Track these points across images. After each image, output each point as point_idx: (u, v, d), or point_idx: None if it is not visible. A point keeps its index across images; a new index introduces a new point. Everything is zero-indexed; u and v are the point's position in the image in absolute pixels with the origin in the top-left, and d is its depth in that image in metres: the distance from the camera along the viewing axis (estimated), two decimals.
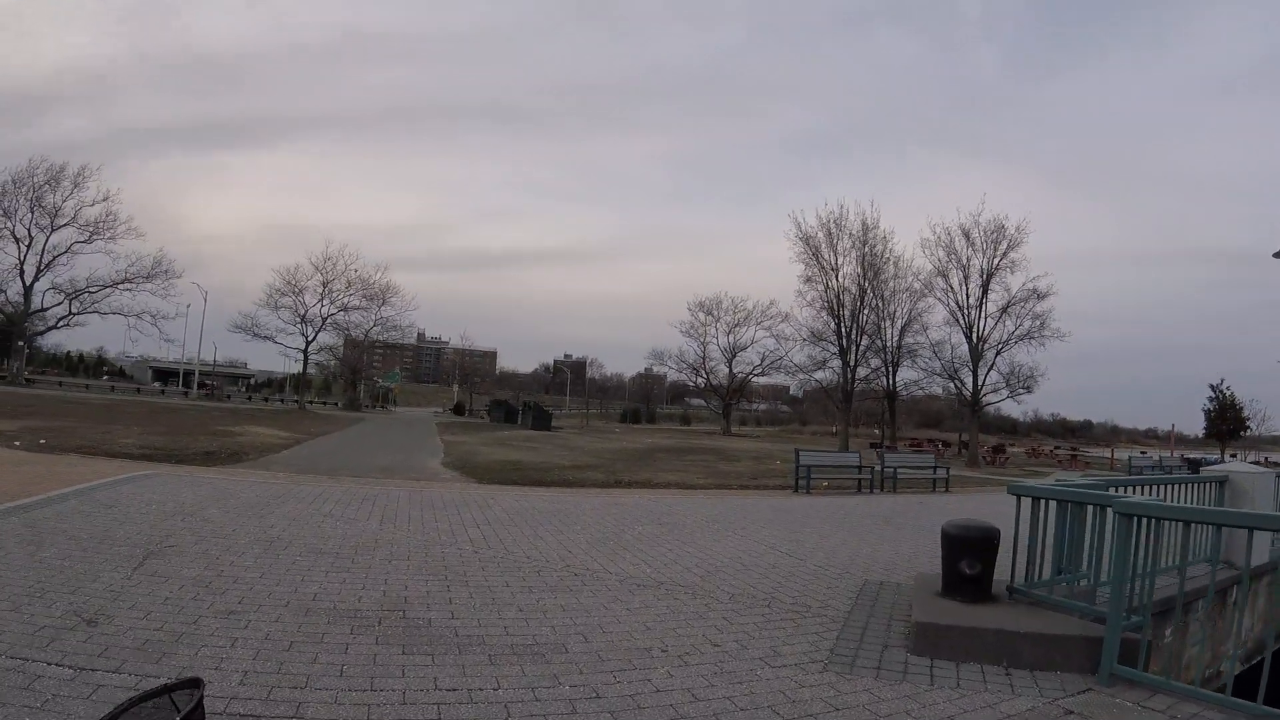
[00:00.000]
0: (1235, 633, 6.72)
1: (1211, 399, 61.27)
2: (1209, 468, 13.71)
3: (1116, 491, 7.95)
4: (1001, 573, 6.97)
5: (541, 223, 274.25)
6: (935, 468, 22.21)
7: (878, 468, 20.21)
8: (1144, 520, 5.88)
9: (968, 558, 6.62)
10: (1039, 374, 42.93)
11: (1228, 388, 60.82)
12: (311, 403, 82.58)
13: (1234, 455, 52.94)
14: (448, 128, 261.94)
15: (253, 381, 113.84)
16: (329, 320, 63.71)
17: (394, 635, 5.46)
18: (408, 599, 6.40)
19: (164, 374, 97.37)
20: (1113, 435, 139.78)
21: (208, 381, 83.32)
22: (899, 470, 20.57)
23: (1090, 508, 6.87)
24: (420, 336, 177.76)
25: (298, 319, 62.13)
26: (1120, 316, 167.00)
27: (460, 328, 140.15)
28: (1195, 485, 9.88)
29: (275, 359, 68.32)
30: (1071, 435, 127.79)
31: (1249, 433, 62.91)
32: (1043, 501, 7.10)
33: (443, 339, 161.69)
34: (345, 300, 63.58)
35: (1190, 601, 7.00)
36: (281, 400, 79.93)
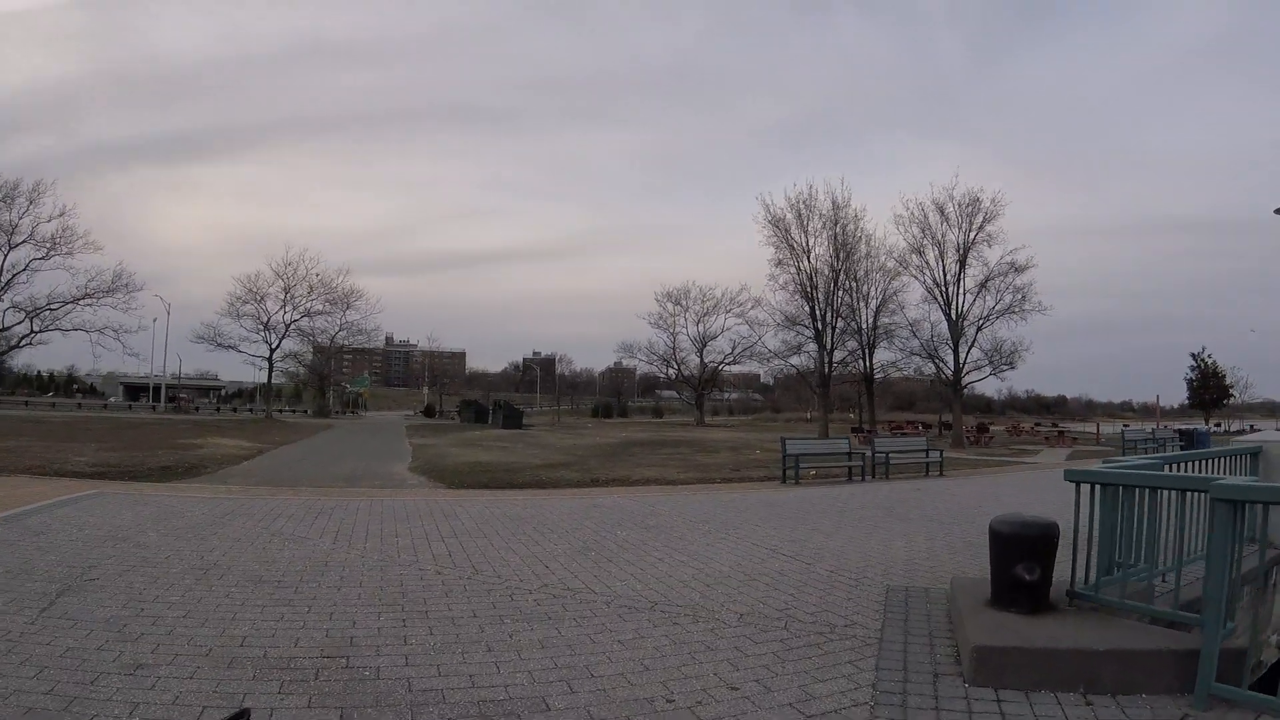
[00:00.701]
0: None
1: (1193, 368, 61.05)
2: (1240, 438, 12.83)
3: (1172, 470, 7.02)
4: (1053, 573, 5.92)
5: (508, 221, 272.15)
6: (928, 451, 21.28)
7: (868, 454, 19.23)
8: (1246, 506, 4.87)
9: (1026, 560, 5.58)
10: (1023, 349, 42.28)
11: (1209, 356, 60.63)
12: (282, 411, 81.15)
13: (1218, 424, 52.67)
14: (412, 129, 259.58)
15: (224, 392, 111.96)
16: (292, 327, 62.47)
17: (332, 692, 4.33)
18: (354, 640, 5.26)
19: (134, 389, 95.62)
20: (1088, 409, 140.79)
21: (180, 395, 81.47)
22: (891, 456, 19.61)
23: (1167, 492, 5.84)
24: (389, 340, 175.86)
25: (260, 326, 60.90)
26: (1089, 290, 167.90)
27: (429, 330, 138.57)
28: (1231, 458, 9.04)
29: (247, 369, 66.58)
30: (1047, 411, 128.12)
31: (1232, 401, 62.85)
32: (1109, 487, 6.03)
33: (411, 342, 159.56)
34: (308, 305, 62.31)
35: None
36: (251, 410, 78.46)
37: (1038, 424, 73.29)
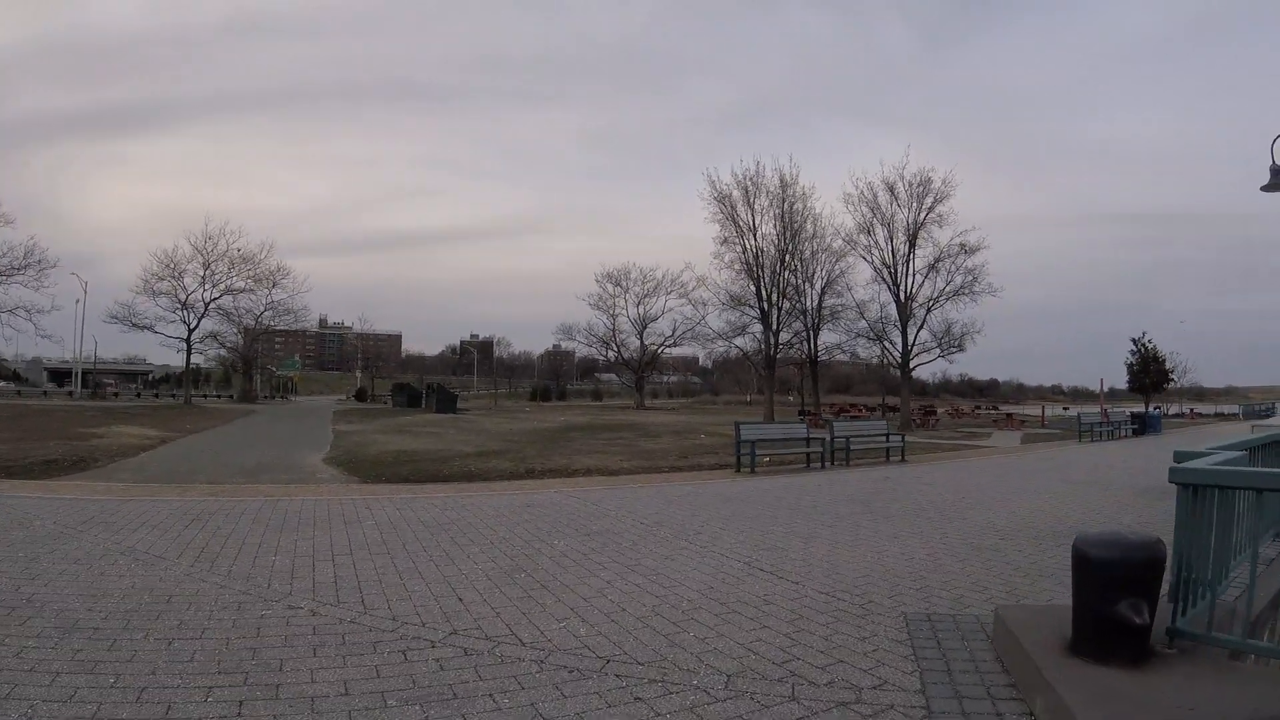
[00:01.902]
0: None
1: (1133, 352, 61.16)
2: (1261, 423, 11.52)
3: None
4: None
5: (448, 201, 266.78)
6: (888, 435, 19.89)
7: (826, 439, 17.72)
8: None
9: (1129, 595, 3.94)
10: (975, 331, 41.35)
11: (1150, 341, 60.78)
12: (207, 396, 77.40)
13: (1157, 408, 52.67)
14: (352, 106, 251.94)
15: (151, 377, 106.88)
16: (212, 305, 58.61)
17: None
18: None
19: (60, 375, 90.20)
20: (1019, 393, 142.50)
21: (105, 380, 77.34)
22: (851, 441, 18.15)
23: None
24: (323, 322, 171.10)
25: (178, 305, 56.89)
26: (1020, 278, 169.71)
27: (365, 311, 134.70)
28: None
29: (178, 353, 61.83)
30: (980, 394, 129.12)
31: (1172, 385, 63.19)
32: (1228, 492, 4.47)
33: (346, 324, 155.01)
34: (229, 283, 58.58)
35: None
36: (174, 395, 74.56)
37: (978, 407, 73.35)
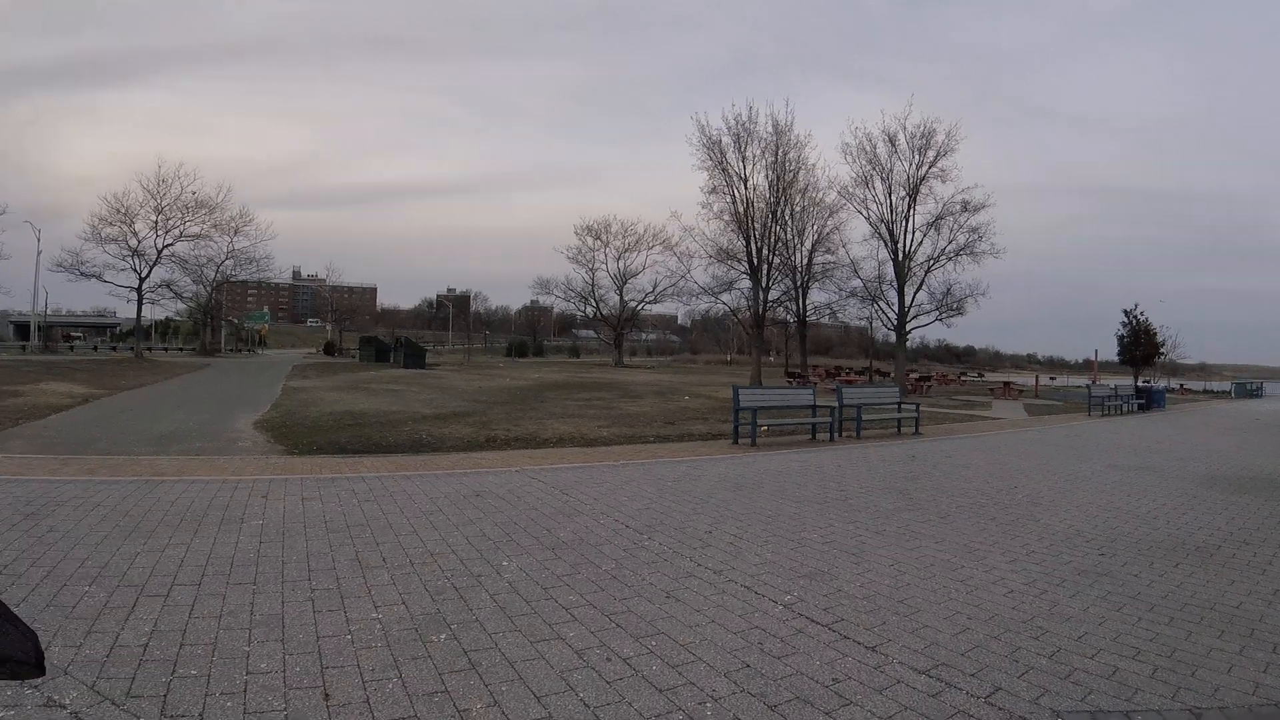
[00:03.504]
0: None
1: (1125, 324, 59.32)
2: None
3: None
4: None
5: (427, 155, 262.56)
6: (900, 405, 17.65)
7: (835, 408, 15.46)
8: None
9: None
10: (979, 293, 39.10)
11: (1141, 313, 58.89)
12: (168, 349, 74.02)
13: (1147, 381, 51.02)
14: (329, 60, 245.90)
15: (118, 330, 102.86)
16: (165, 252, 54.76)
17: None
18: None
19: (24, 328, 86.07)
20: (996, 361, 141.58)
21: (74, 334, 73.95)
22: (862, 409, 15.89)
23: None
24: (296, 275, 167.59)
25: (128, 252, 53.20)
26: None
27: (339, 264, 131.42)
28: None
29: (149, 306, 57.72)
30: (957, 360, 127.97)
31: (1163, 359, 61.54)
32: None
33: (320, 277, 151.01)
34: (183, 228, 54.77)
35: None
36: (132, 350, 71.29)
37: (963, 374, 71.54)
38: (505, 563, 5.58)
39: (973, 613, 4.82)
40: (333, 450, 12.13)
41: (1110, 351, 61.82)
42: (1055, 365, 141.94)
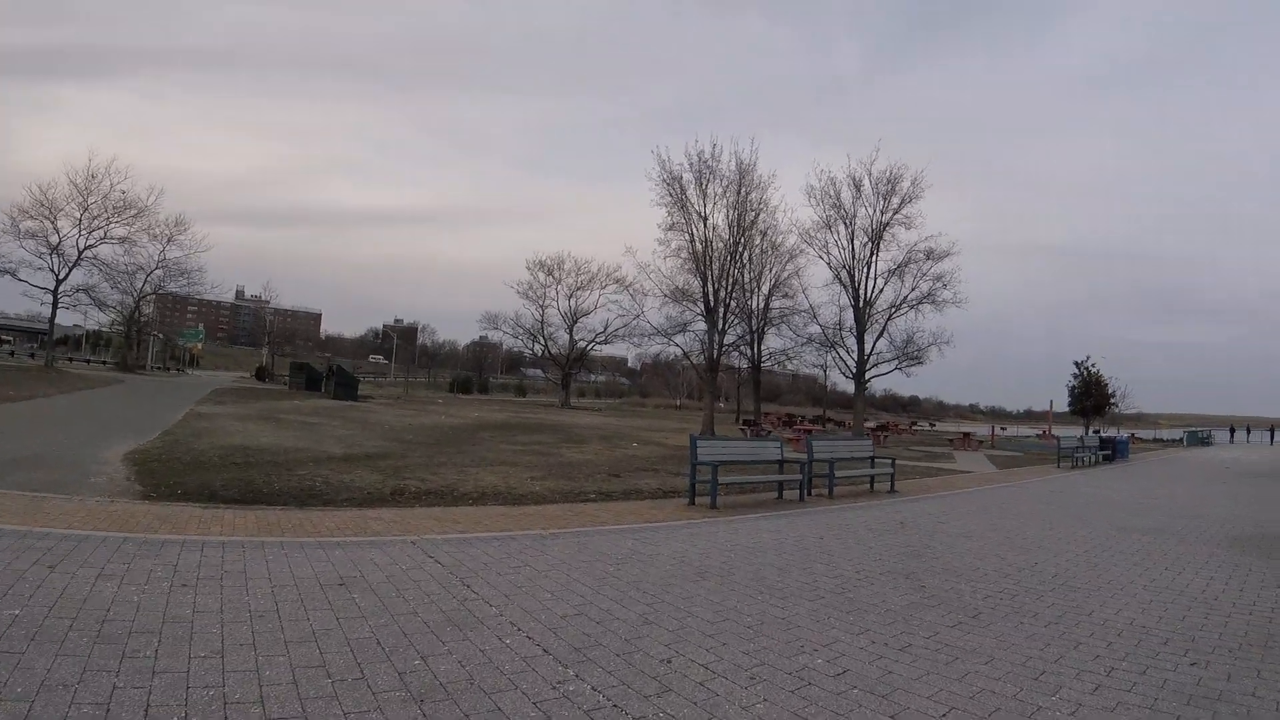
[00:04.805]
0: None
1: (1076, 375, 59.12)
2: None
3: None
4: None
5: (387, 181, 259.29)
6: (873, 460, 15.65)
7: (804, 463, 13.42)
8: None
9: None
10: (943, 342, 37.76)
11: (1093, 364, 58.78)
12: (90, 361, 69.63)
13: (1097, 431, 50.37)
14: (297, 77, 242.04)
15: (44, 339, 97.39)
16: (87, 254, 50.06)
17: None
18: None
19: None
20: (941, 410, 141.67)
21: (4, 338, 69.77)
22: (835, 464, 13.86)
23: None
24: (239, 294, 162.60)
25: (48, 250, 48.92)
26: None
27: (289, 288, 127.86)
28: None
29: (41, 306, 53.09)
30: (903, 410, 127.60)
31: (1114, 409, 61.31)
32: None
33: (264, 298, 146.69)
34: (107, 229, 50.36)
35: None
36: (48, 359, 66.89)
37: (914, 423, 70.32)
38: None
39: None
40: (200, 496, 9.85)
41: (1026, 401, 62.05)
42: (998, 415, 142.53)
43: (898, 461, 17.27)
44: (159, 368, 74.63)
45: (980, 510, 12.78)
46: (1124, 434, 45.16)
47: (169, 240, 55.02)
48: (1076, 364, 59.77)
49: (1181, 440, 57.72)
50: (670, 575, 6.73)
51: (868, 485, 15.10)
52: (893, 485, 15.05)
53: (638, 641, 4.83)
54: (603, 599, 5.80)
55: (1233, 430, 73.82)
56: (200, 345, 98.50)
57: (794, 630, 5.26)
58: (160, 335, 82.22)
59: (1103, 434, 37.75)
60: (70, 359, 63.63)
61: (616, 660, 4.46)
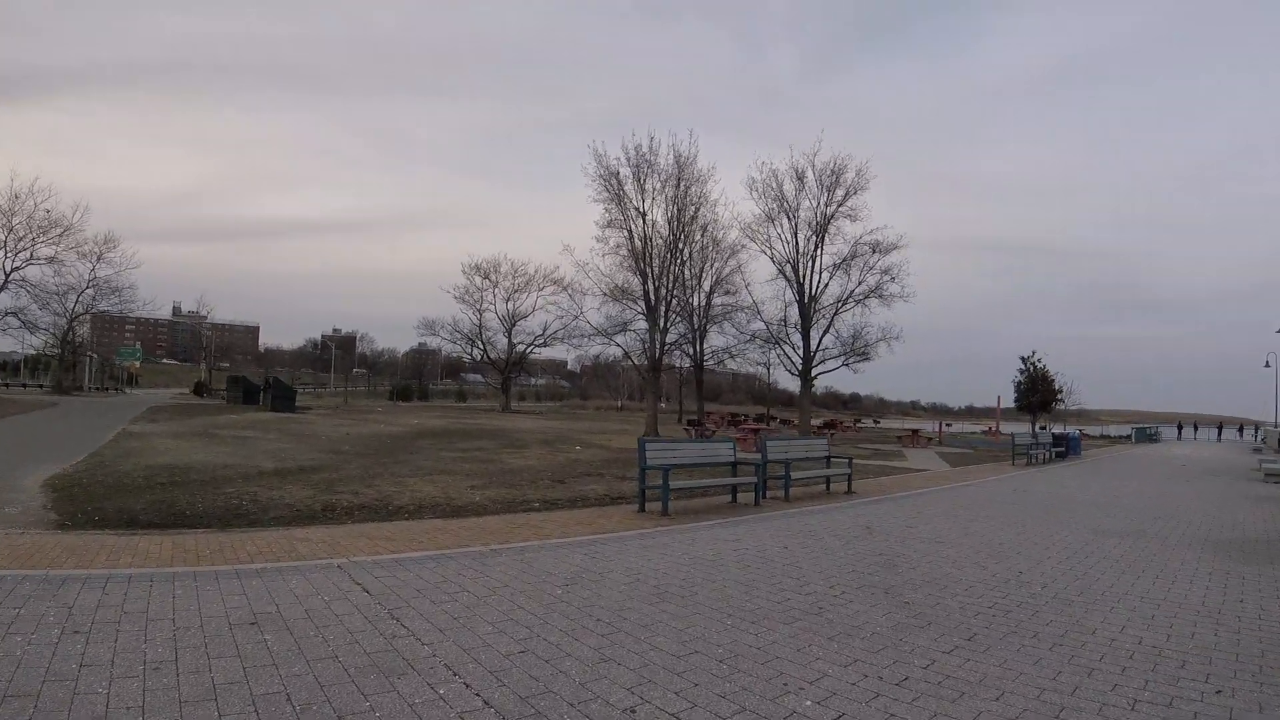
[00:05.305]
0: None
1: (1022, 371, 59.45)
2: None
3: None
4: None
5: (321, 190, 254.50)
6: (829, 459, 15.18)
7: (758, 464, 12.85)
8: None
9: None
10: (891, 337, 37.56)
11: (1039, 360, 59.16)
12: (25, 385, 66.72)
13: (1044, 427, 50.72)
14: (227, 87, 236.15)
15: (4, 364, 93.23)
16: (14, 276, 48.63)
17: None
18: None
19: None
20: (882, 407, 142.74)
21: None
22: (790, 465, 13.32)
23: None
24: (176, 310, 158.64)
25: None
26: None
27: (226, 302, 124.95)
28: None
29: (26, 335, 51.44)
30: (844, 407, 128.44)
31: (1059, 406, 61.81)
32: None
33: (201, 313, 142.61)
34: (32, 249, 48.70)
35: None
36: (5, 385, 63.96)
37: (857, 420, 70.54)
38: None
39: None
40: (119, 523, 8.98)
41: (992, 399, 62.25)
42: (940, 412, 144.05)
43: (859, 462, 16.81)
44: (96, 388, 71.85)
45: (947, 513, 12.30)
46: (1075, 430, 45.48)
47: (99, 258, 53.50)
48: (1023, 359, 60.14)
49: (1130, 437, 58.38)
50: (626, 597, 6.05)
51: (823, 486, 14.63)
52: (849, 486, 14.58)
53: (595, 685, 4.14)
54: (551, 630, 5.10)
55: (1180, 427, 74.99)
56: (138, 363, 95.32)
57: (774, 663, 4.62)
58: (95, 355, 79.26)
59: (1052, 430, 37.81)
60: (7, 384, 60.93)
61: (571, 712, 3.77)
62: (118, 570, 6.35)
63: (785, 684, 4.27)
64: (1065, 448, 30.80)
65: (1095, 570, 7.94)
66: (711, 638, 5.07)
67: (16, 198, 47.85)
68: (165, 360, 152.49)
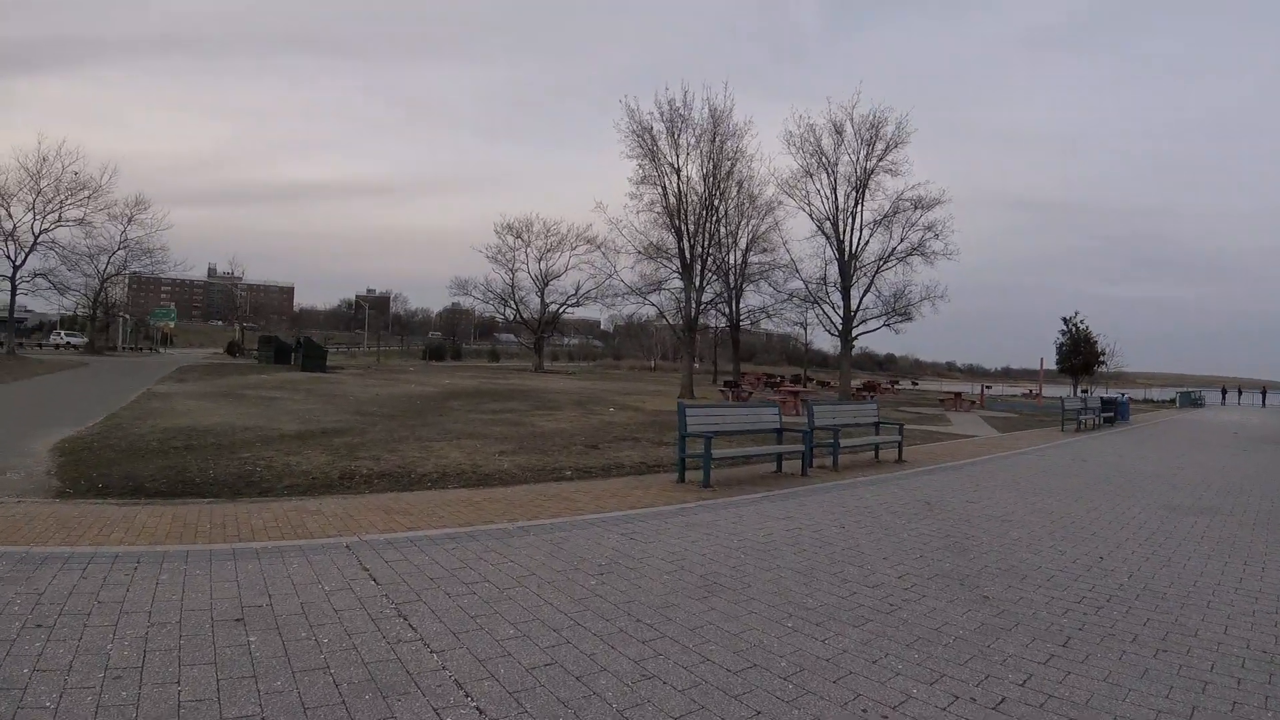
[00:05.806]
0: None
1: (1064, 332, 57.75)
2: None
3: None
4: None
5: (350, 154, 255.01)
6: (878, 425, 14.34)
7: (806, 431, 12.04)
8: None
9: None
10: (936, 296, 36.39)
11: (1082, 321, 57.40)
12: (60, 346, 67.21)
13: (1085, 390, 49.21)
14: (255, 55, 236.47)
15: (24, 324, 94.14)
16: (43, 238, 48.92)
17: None
18: None
19: None
20: (917, 368, 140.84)
21: None
22: (840, 431, 12.52)
23: None
24: (211, 272, 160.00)
25: (1, 236, 47.62)
26: None
27: (261, 264, 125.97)
28: None
29: (37, 299, 52.16)
30: (879, 368, 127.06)
31: (1102, 368, 60.15)
32: None
33: (236, 275, 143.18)
34: (60, 211, 49.02)
35: None
36: (28, 344, 64.44)
37: (895, 382, 69.33)
38: None
39: None
40: (123, 490, 8.44)
41: (1028, 360, 60.69)
42: (976, 374, 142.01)
43: (926, 426, 15.96)
44: (130, 348, 72.49)
45: (1008, 485, 11.44)
46: (1123, 394, 44.07)
47: (129, 220, 53.69)
48: (1065, 320, 58.40)
49: (1174, 401, 56.78)
50: (669, 590, 5.32)
51: (872, 454, 13.84)
52: (900, 454, 13.77)
53: (636, 712, 3.42)
54: (584, 635, 4.37)
55: (1224, 391, 73.02)
56: (173, 324, 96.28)
57: (847, 680, 3.87)
58: (128, 317, 79.84)
59: (1097, 394, 36.57)
60: (40, 344, 61.50)
61: None
62: (104, 548, 5.76)
63: (864, 710, 3.53)
64: (1114, 413, 29.62)
65: (1180, 555, 7.11)
66: (771, 645, 4.33)
67: (44, 160, 48.09)
68: (206, 321, 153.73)
